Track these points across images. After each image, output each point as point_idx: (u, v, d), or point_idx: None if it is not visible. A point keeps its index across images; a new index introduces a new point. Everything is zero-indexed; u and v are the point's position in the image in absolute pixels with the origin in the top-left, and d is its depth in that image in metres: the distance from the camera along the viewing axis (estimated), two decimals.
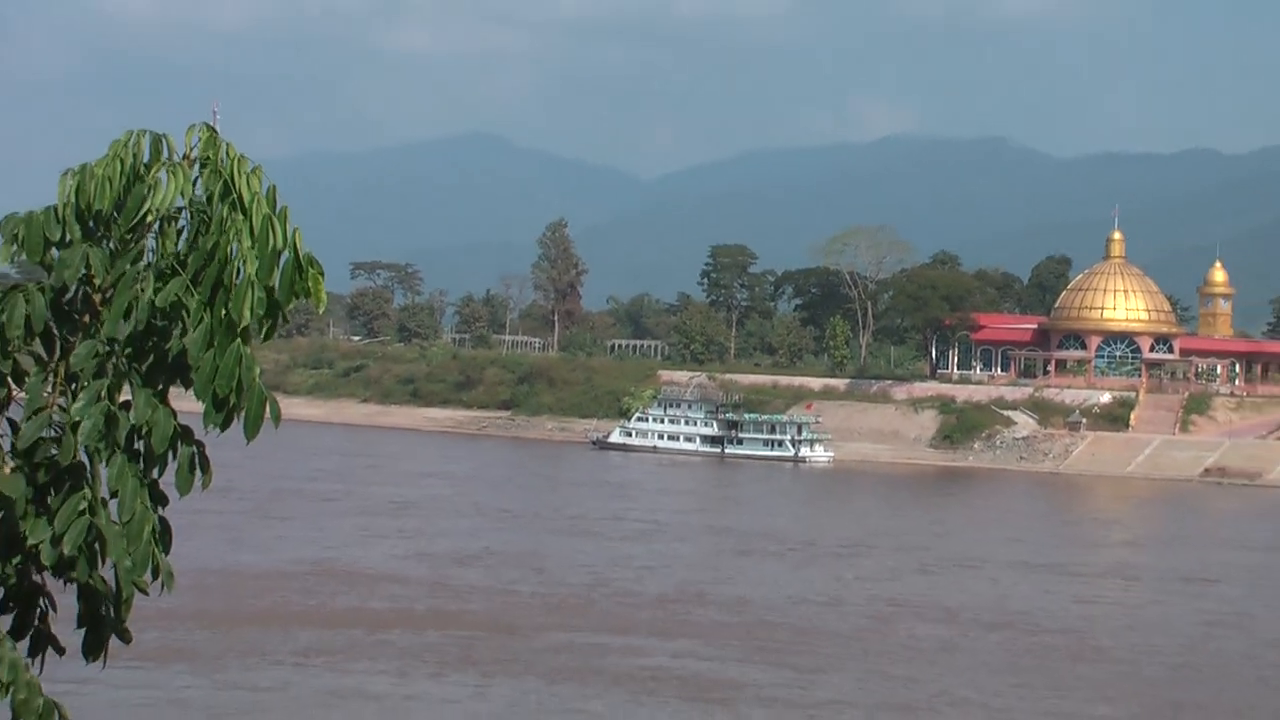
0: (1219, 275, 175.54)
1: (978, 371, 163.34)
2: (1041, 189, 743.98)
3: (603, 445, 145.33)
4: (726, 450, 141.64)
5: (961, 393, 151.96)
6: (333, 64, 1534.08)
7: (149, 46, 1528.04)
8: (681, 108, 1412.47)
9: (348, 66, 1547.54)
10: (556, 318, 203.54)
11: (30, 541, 5.61)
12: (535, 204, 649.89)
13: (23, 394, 5.69)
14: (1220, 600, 65.22)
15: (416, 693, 42.23)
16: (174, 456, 5.70)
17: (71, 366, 5.62)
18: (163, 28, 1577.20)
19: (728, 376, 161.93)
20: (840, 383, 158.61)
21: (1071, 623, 57.58)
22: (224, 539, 65.99)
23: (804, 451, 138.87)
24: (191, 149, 5.75)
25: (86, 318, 5.69)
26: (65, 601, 5.90)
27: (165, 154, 5.75)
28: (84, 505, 5.59)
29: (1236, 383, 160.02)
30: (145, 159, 5.72)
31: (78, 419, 5.53)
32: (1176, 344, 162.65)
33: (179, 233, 5.74)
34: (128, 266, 5.64)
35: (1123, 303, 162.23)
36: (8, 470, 5.64)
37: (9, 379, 5.71)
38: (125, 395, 5.65)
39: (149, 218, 5.69)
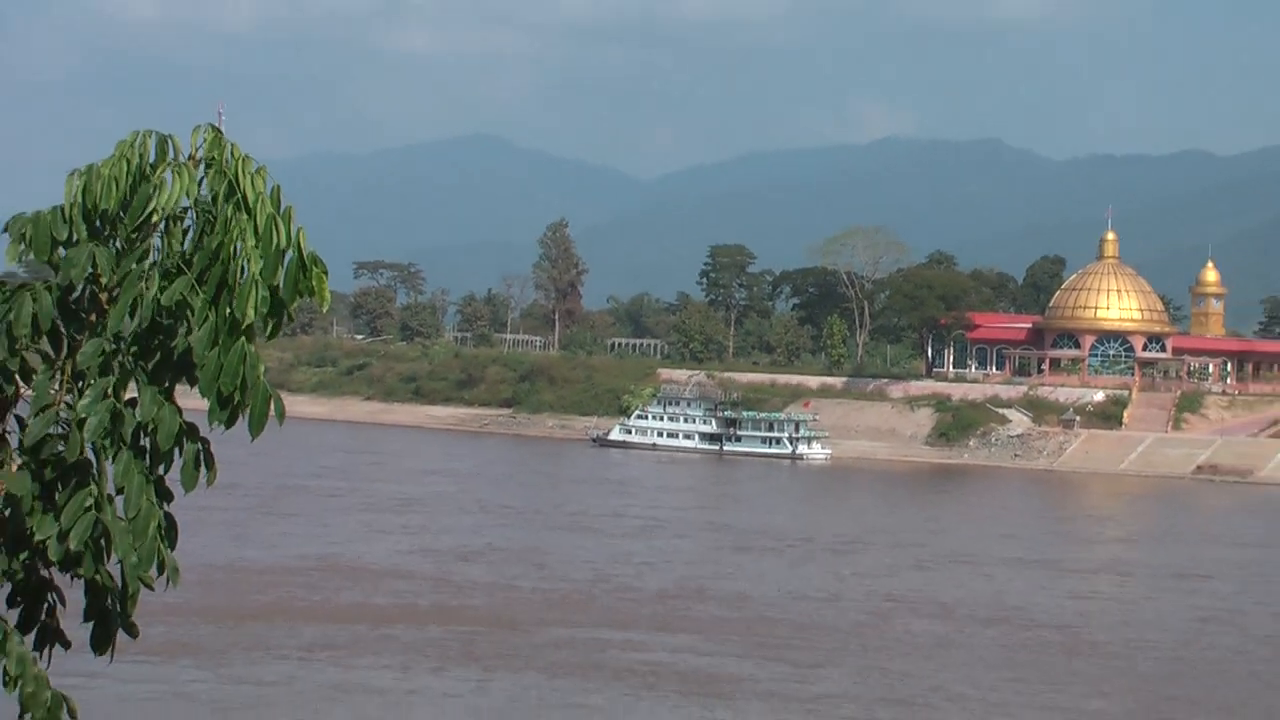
0: (1211, 275, 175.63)
1: (973, 370, 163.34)
2: (1037, 190, 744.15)
3: (603, 443, 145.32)
4: (725, 448, 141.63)
5: (957, 391, 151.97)
6: (334, 65, 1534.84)
7: (151, 47, 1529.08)
8: (681, 109, 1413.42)
9: (349, 68, 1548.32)
10: (557, 317, 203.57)
11: (37, 538, 5.61)
12: (536, 204, 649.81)
13: (30, 391, 5.69)
14: (1213, 596, 65.23)
15: (419, 687, 42.25)
16: (179, 453, 5.70)
17: (78, 364, 5.62)
18: (164, 28, 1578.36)
19: (726, 375, 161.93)
20: (837, 381, 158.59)
21: (1066, 618, 57.59)
22: (229, 535, 66.00)
23: (801, 449, 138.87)
24: (197, 149, 5.75)
25: (93, 316, 5.69)
26: (73, 596, 5.90)
27: (171, 154, 5.75)
28: (90, 502, 5.59)
29: (1228, 381, 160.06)
30: (151, 159, 5.72)
31: (84, 416, 5.53)
32: (1169, 343, 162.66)
33: (184, 232, 5.74)
34: (133, 265, 5.64)
35: (1116, 302, 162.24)
36: (14, 467, 5.64)
37: (17, 377, 5.72)
38: (132, 393, 5.66)
39: (154, 217, 5.69)
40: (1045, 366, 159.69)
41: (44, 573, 5.77)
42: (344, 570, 60.51)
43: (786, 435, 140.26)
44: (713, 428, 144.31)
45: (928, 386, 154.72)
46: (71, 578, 5.73)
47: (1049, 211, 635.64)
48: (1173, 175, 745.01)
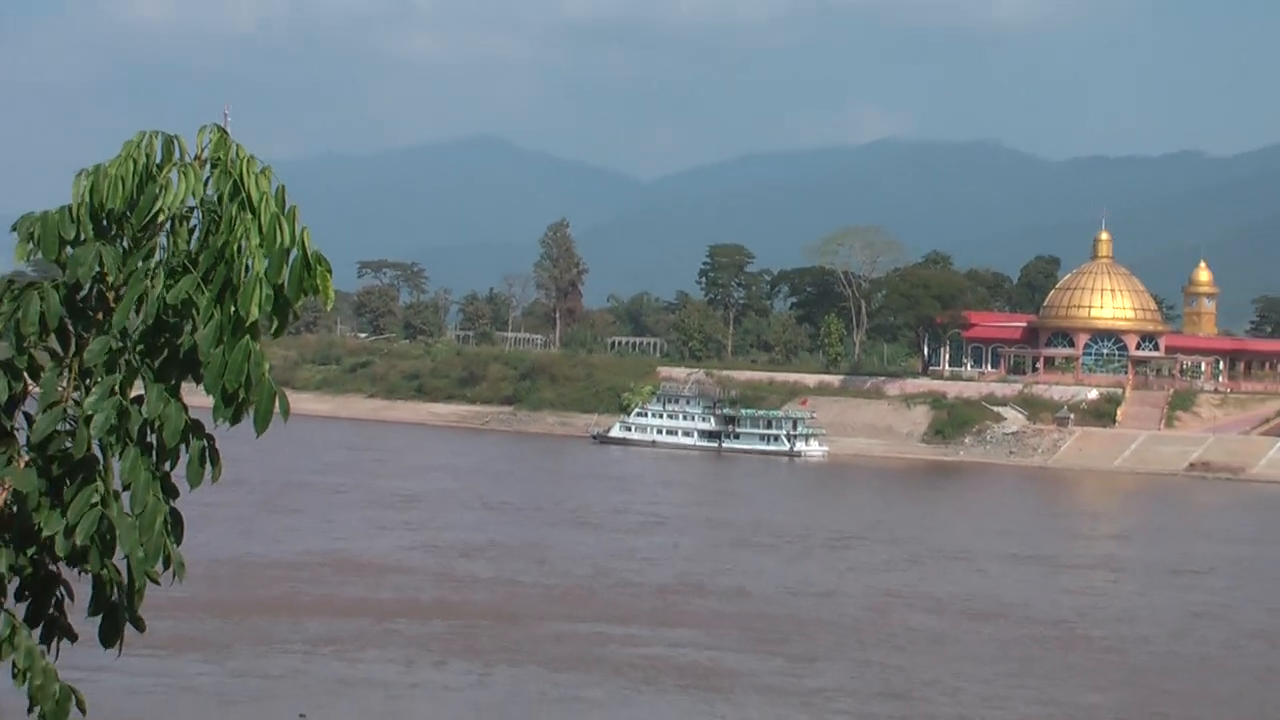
0: (1203, 275, 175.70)
1: (968, 368, 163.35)
2: (1033, 190, 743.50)
3: (603, 440, 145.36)
4: (724, 445, 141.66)
5: (953, 389, 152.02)
6: (339, 69, 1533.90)
7: (158, 50, 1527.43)
8: (680, 110, 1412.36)
9: (354, 71, 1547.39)
10: (558, 315, 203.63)
11: (45, 533, 5.62)
12: (537, 205, 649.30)
13: (38, 388, 5.69)
14: (1206, 591, 65.22)
15: (422, 680, 42.26)
16: (185, 450, 5.70)
17: (85, 362, 5.62)
18: (171, 32, 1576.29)
19: (725, 373, 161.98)
20: (834, 379, 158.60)
21: (1061, 613, 57.58)
22: (235, 531, 65.98)
23: (799, 446, 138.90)
24: (203, 150, 5.75)
25: (101, 315, 5.69)
26: (82, 590, 5.90)
27: (177, 155, 5.75)
28: (96, 497, 5.59)
29: (1220, 379, 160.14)
30: (158, 159, 5.72)
31: (91, 413, 5.53)
32: (1162, 342, 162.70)
33: (191, 232, 5.74)
34: (139, 263, 5.64)
35: (1110, 301, 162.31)
36: (22, 464, 5.64)
37: (25, 374, 5.72)
38: (139, 390, 5.66)
39: (160, 217, 5.69)
40: (1040, 365, 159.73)
41: (52, 568, 5.78)
42: (348, 565, 60.51)
43: (784, 433, 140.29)
44: (711, 425, 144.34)
45: (924, 384, 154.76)
46: (79, 572, 5.74)
47: (1044, 212, 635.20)
48: (1166, 176, 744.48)
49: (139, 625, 5.85)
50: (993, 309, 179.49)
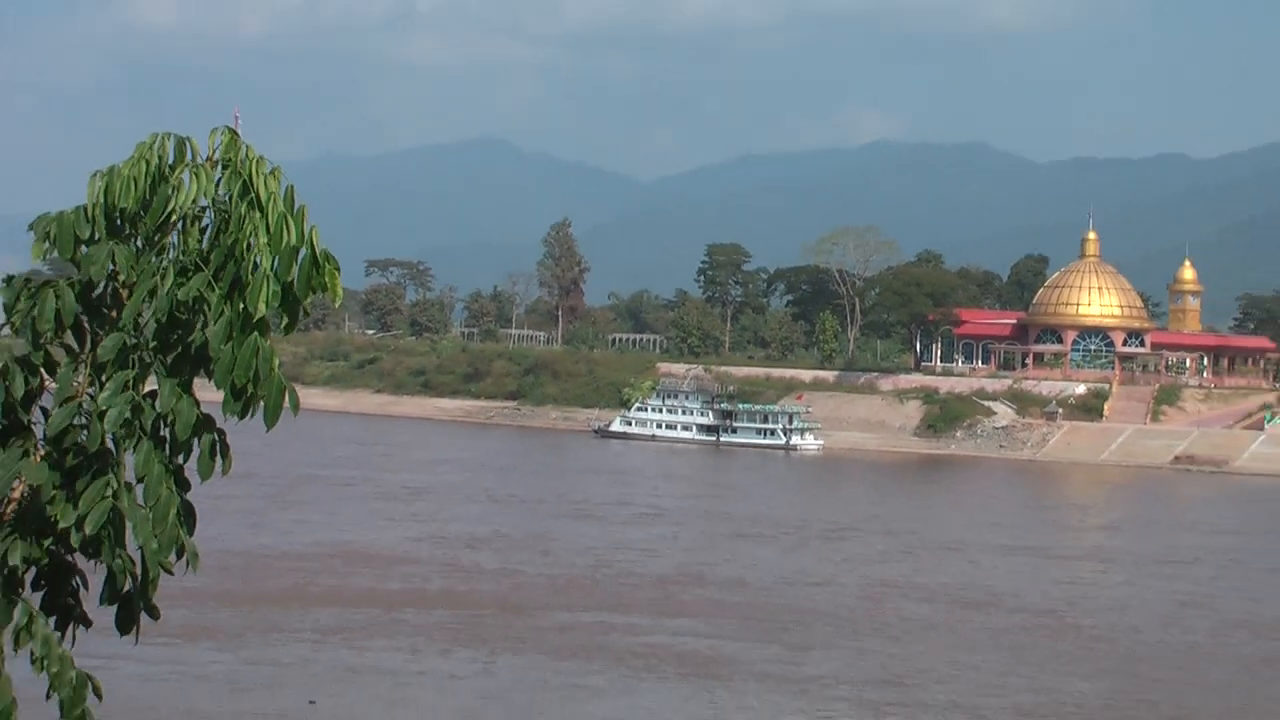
0: (1188, 274, 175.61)
1: (960, 364, 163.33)
2: (1022, 191, 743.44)
3: (604, 434, 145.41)
4: (722, 439, 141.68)
5: (944, 384, 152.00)
6: (347, 73, 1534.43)
7: (169, 55, 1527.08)
8: (679, 113, 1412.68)
9: (361, 75, 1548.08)
10: (560, 313, 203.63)
11: (60, 525, 5.62)
12: (540, 205, 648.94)
13: (54, 384, 5.69)
14: (1192, 581, 65.24)
15: (428, 669, 42.28)
16: (197, 443, 5.70)
17: (99, 358, 5.61)
18: (183, 38, 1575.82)
19: (723, 369, 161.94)
20: (829, 375, 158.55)
21: (1051, 603, 57.60)
22: (246, 523, 66.00)
23: (795, 440, 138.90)
24: (214, 151, 5.74)
25: (115, 312, 5.69)
26: (97, 580, 5.90)
27: (189, 156, 5.75)
28: (109, 490, 5.59)
29: (1205, 375, 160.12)
30: (170, 161, 5.72)
31: (105, 408, 5.53)
32: (1148, 338, 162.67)
33: (202, 232, 5.74)
34: (150, 260, 5.64)
35: (1097, 299, 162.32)
36: (38, 457, 5.64)
37: (42, 370, 5.72)
38: (152, 385, 5.66)
39: (173, 217, 5.69)
40: (1029, 361, 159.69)
41: (68, 558, 5.77)
42: (356, 556, 60.52)
43: (780, 427, 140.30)
44: (710, 419, 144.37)
45: (916, 380, 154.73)
46: (95, 563, 5.74)
47: (1033, 212, 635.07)
48: (1152, 177, 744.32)
49: (153, 614, 5.85)
50: (983, 306, 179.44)
